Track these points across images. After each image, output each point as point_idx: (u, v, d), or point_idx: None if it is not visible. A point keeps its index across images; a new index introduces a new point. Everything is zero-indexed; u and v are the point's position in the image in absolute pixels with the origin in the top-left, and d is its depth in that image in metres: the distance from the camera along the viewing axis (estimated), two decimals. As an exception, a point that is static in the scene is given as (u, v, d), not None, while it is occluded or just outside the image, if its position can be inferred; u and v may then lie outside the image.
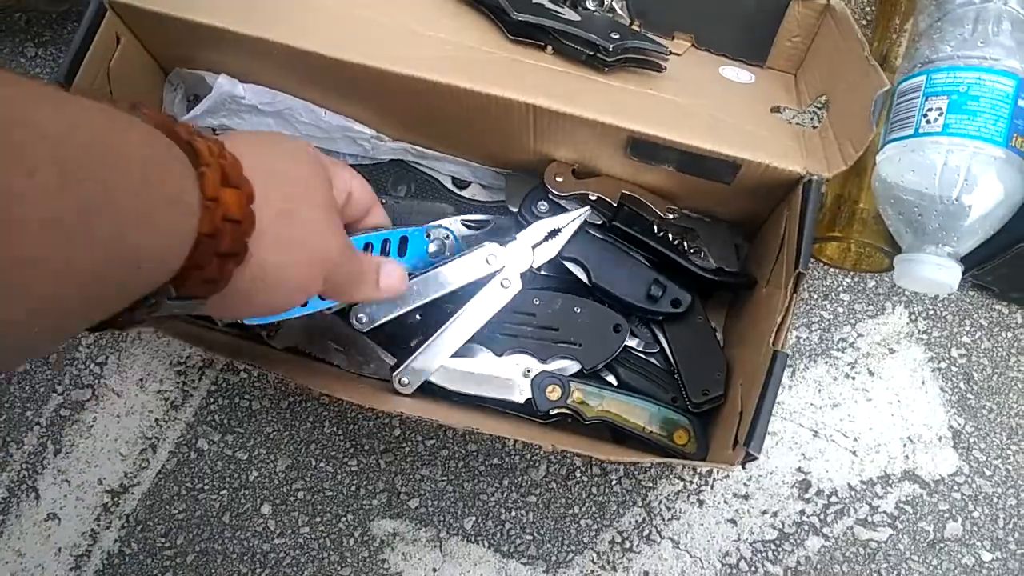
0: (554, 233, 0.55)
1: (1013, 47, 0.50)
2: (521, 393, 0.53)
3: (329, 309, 0.49)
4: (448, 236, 0.55)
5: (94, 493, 0.61)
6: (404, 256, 0.51)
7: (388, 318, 0.53)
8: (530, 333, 0.55)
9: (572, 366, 0.55)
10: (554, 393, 0.52)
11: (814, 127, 0.55)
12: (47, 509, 0.61)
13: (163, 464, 0.61)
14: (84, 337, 0.64)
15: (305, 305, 0.45)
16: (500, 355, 0.55)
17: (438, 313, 0.55)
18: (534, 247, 0.54)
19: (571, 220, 0.55)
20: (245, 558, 0.59)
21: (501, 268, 0.53)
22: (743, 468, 0.58)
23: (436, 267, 0.53)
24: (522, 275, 0.53)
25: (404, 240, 0.51)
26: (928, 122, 0.51)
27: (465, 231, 0.57)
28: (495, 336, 0.55)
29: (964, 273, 0.59)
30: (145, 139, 0.27)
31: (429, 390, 0.53)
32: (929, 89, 0.52)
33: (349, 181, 0.44)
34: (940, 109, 0.50)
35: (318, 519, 0.60)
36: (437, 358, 0.53)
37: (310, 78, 0.55)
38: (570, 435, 0.54)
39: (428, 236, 0.53)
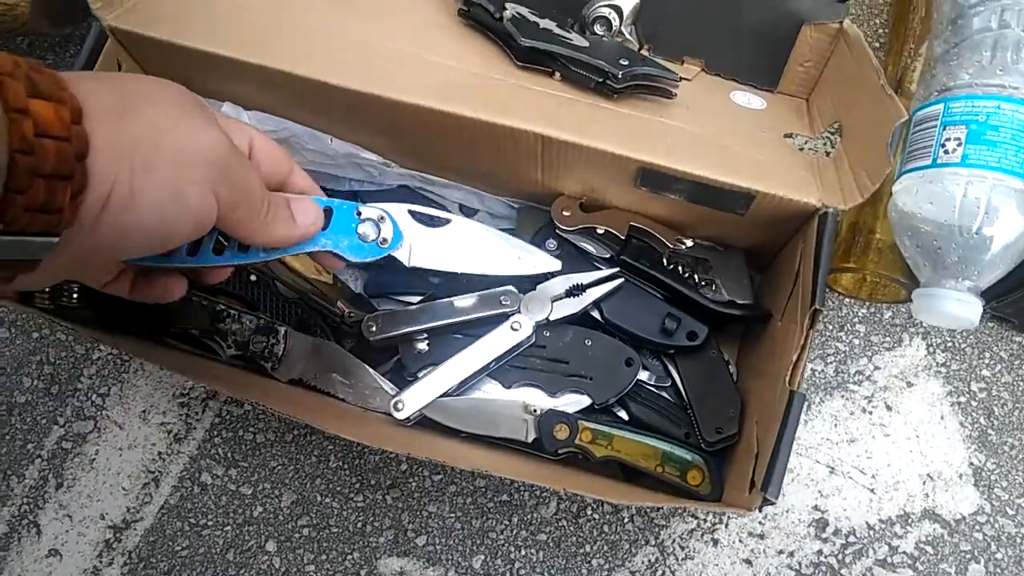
0: (577, 290, 0.54)
1: (1033, 75, 0.49)
2: (528, 433, 0.52)
3: (254, 262, 0.42)
4: (383, 218, 0.46)
5: (96, 528, 0.60)
6: (325, 231, 0.43)
7: (398, 332, 0.53)
8: (540, 365, 0.54)
9: (583, 400, 0.54)
10: (561, 432, 0.51)
11: (827, 153, 0.54)
12: (48, 545, 0.60)
13: (166, 499, 0.60)
14: (86, 367, 0.63)
15: (222, 252, 0.40)
16: (508, 387, 0.54)
17: (447, 345, 0.54)
18: (553, 300, 0.53)
19: (596, 280, 0.54)
20: (248, 596, 0.58)
21: (514, 311, 0.52)
22: (759, 512, 0.57)
23: (449, 297, 0.53)
24: (536, 324, 0.53)
25: (329, 212, 0.43)
26: (946, 152, 0.49)
27: (414, 224, 0.49)
28: (504, 368, 0.54)
29: (983, 306, 0.58)
30: None
31: (435, 427, 0.52)
32: (947, 118, 0.50)
33: (249, 134, 0.39)
34: (959, 139, 0.49)
35: (324, 557, 0.58)
36: (436, 388, 0.52)
37: (314, 105, 0.54)
38: (581, 473, 0.53)
39: (359, 214, 0.45)
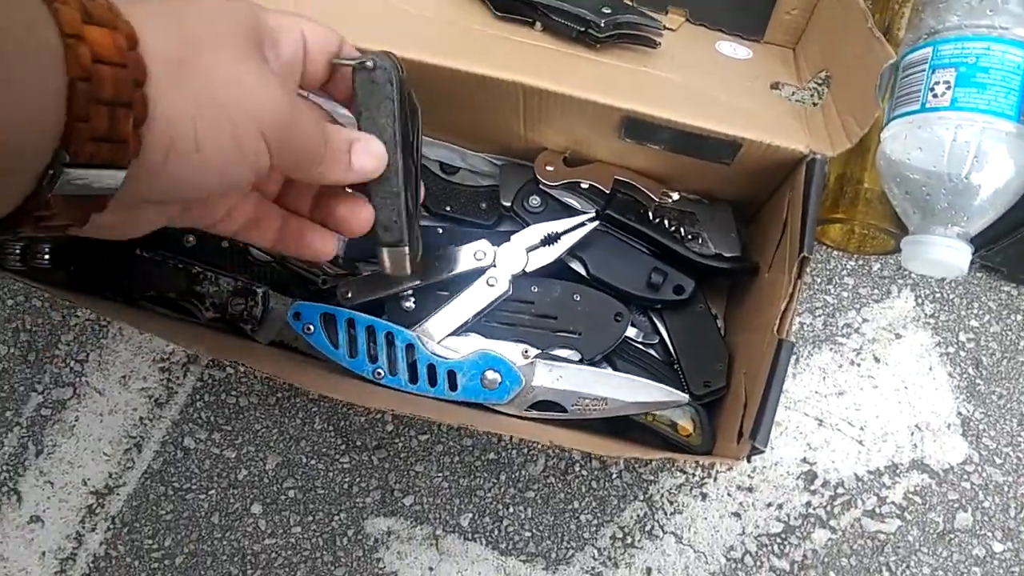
0: (552, 239, 0.53)
1: (1023, 15, 0.48)
2: None
3: None
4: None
5: (78, 495, 0.59)
6: None
7: (372, 298, 0.52)
8: (528, 321, 0.53)
9: (572, 355, 0.53)
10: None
11: (814, 104, 0.53)
12: (30, 511, 0.59)
13: (149, 464, 0.60)
14: (64, 334, 0.62)
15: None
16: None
17: (433, 302, 0.53)
18: (528, 250, 0.52)
19: (571, 227, 0.53)
20: (235, 559, 0.58)
21: (490, 266, 0.51)
22: (748, 462, 0.56)
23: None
24: (513, 276, 0.52)
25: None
26: (935, 96, 0.49)
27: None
28: (491, 326, 0.53)
29: (972, 254, 0.58)
30: None
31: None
32: (936, 61, 0.49)
33: (300, 29, 0.37)
34: (948, 82, 0.48)
35: (310, 518, 0.58)
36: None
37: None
38: (568, 428, 0.52)
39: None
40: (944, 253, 0.48)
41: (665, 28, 0.55)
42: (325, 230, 0.42)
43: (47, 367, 0.61)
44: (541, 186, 0.56)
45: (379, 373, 0.49)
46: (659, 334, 0.55)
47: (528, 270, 0.52)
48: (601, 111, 0.49)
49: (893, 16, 0.62)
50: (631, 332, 0.55)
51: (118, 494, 0.59)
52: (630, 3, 0.57)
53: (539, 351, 0.51)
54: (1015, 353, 0.59)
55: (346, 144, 0.38)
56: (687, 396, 0.49)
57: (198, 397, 0.61)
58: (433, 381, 0.49)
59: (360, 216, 0.40)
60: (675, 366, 0.54)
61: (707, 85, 0.53)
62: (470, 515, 0.57)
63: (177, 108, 0.29)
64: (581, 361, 0.52)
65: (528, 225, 0.53)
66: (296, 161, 0.36)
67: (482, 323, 0.52)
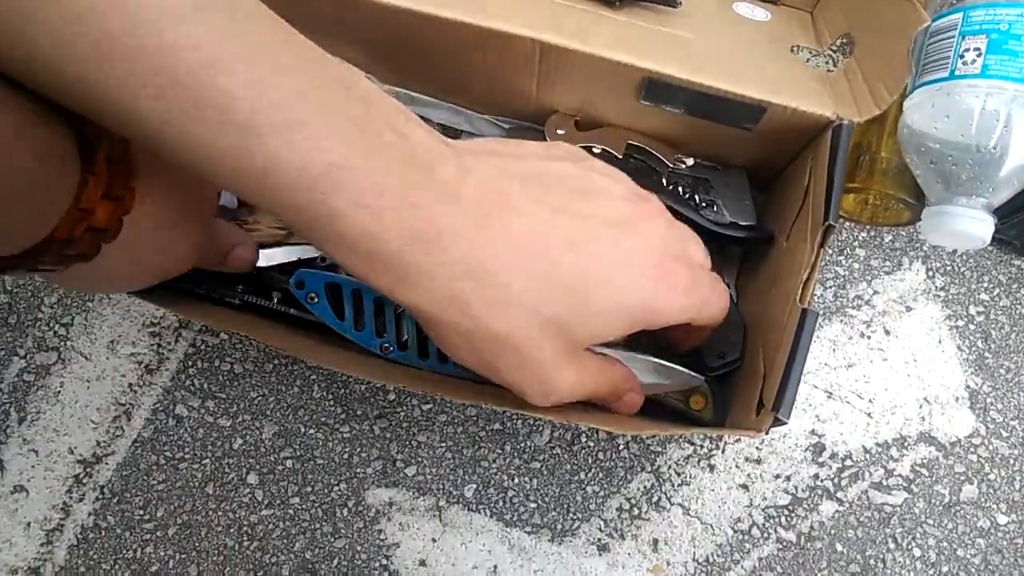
0: None
1: (1058, -18, 0.46)
2: None
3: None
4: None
5: (64, 464, 0.57)
6: None
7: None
8: None
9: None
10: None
11: (830, 70, 0.52)
12: (13, 481, 0.57)
13: (139, 432, 0.57)
14: (47, 296, 0.59)
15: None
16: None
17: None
18: None
19: None
20: (231, 530, 0.56)
21: None
22: (767, 434, 0.56)
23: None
24: None
25: None
26: (965, 64, 0.47)
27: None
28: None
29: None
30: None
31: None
32: (966, 27, 0.48)
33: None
34: (979, 49, 0.47)
35: (309, 489, 0.56)
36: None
37: (290, 17, 0.50)
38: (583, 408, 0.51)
39: None
40: (968, 224, 0.48)
41: (684, -13, 0.53)
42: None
43: (29, 331, 0.58)
44: (552, 150, 0.54)
45: (387, 348, 0.47)
46: (672, 304, 0.54)
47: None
48: (621, 71, 0.47)
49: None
50: (644, 301, 0.53)
51: (107, 463, 0.57)
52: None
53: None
54: None
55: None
56: (703, 378, 0.48)
57: (190, 363, 0.58)
58: (444, 357, 0.47)
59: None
60: (688, 336, 0.52)
61: (728, 47, 0.52)
62: (474, 486, 0.56)
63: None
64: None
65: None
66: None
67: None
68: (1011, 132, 0.45)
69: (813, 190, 0.47)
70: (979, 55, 0.47)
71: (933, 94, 0.48)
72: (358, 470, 0.56)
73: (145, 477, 0.57)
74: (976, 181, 0.47)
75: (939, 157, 0.48)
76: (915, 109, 0.50)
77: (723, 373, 0.51)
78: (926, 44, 0.50)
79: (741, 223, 0.54)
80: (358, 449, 0.57)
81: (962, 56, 0.47)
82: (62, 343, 0.58)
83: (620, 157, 0.54)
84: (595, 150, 0.54)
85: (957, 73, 0.47)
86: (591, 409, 0.49)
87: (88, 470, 0.57)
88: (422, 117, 0.57)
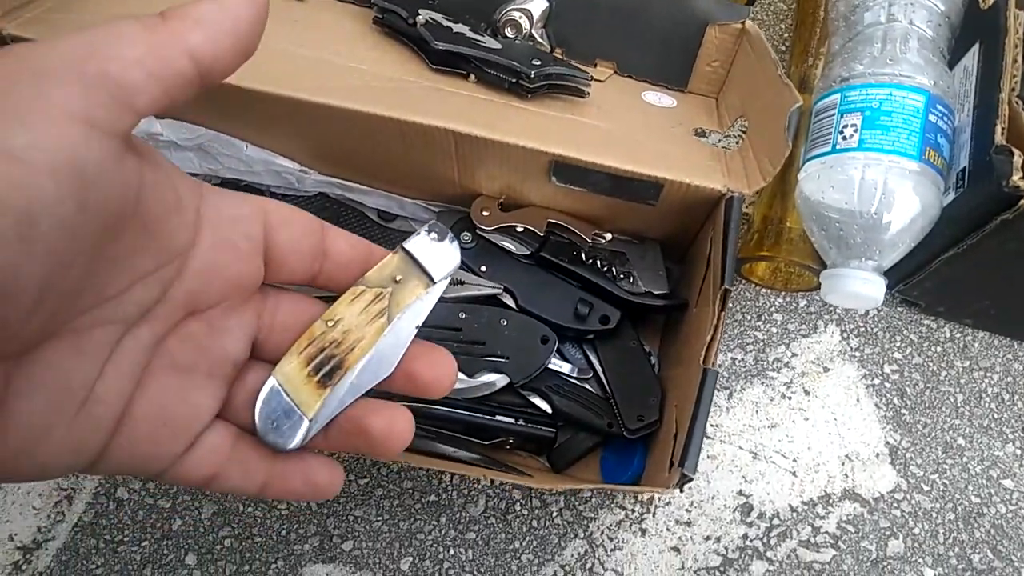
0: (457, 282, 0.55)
1: (921, 64, 0.51)
2: None
3: None
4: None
5: (4, 551, 0.57)
6: None
7: None
8: (457, 348, 0.53)
9: (501, 379, 0.53)
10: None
11: (727, 150, 0.56)
12: (-47, 571, 0.57)
13: (79, 516, 0.58)
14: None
15: None
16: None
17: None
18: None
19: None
20: (169, 614, 0.56)
21: None
22: (680, 491, 0.57)
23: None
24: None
25: None
26: (844, 138, 0.52)
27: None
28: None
29: (890, 288, 0.60)
30: None
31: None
32: (844, 106, 0.52)
33: (263, 213, 0.30)
34: (855, 125, 0.51)
35: (247, 567, 0.57)
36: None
37: (228, 111, 0.54)
38: (509, 456, 0.52)
39: None
40: (860, 285, 0.51)
41: (594, 79, 0.58)
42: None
43: (-24, 420, 0.60)
44: (478, 231, 0.57)
45: None
46: (593, 369, 0.56)
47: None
48: (530, 156, 0.51)
49: (809, 68, 0.67)
50: (566, 368, 0.56)
51: (46, 548, 0.57)
52: (560, 56, 0.60)
53: (467, 376, 0.51)
54: (937, 383, 0.61)
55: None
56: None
57: (133, 447, 0.59)
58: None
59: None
60: (610, 401, 0.55)
61: (632, 131, 0.56)
62: (410, 558, 0.57)
63: None
64: (510, 384, 0.53)
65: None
66: None
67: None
68: (890, 199, 0.49)
69: (713, 258, 0.51)
70: (856, 130, 0.51)
71: (820, 167, 0.53)
72: (295, 547, 0.57)
73: (84, 561, 0.57)
74: (864, 245, 0.51)
75: (830, 224, 0.52)
76: (807, 180, 0.54)
77: (643, 435, 0.53)
78: (813, 122, 0.55)
79: (656, 292, 0.57)
80: (295, 526, 0.57)
81: (842, 132, 0.52)
82: (8, 431, 0.60)
83: (542, 235, 0.57)
84: (518, 229, 0.57)
85: (838, 147, 0.52)
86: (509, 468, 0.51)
87: (27, 556, 0.57)
88: (358, 204, 0.62)
